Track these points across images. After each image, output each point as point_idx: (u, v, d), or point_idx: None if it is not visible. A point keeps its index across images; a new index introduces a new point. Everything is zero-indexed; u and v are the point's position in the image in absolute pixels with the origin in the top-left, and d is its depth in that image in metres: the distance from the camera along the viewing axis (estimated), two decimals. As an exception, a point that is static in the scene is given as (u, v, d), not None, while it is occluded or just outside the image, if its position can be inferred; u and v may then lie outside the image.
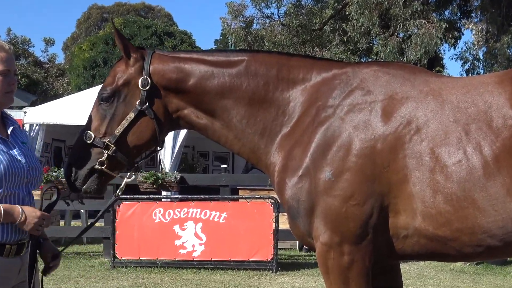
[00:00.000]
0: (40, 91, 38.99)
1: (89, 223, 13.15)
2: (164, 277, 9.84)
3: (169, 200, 11.52)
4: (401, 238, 3.41)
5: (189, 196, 11.37)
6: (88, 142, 3.72)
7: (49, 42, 48.15)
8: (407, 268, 10.49)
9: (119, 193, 3.93)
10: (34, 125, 15.22)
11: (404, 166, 3.31)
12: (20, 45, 43.73)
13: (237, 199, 11.27)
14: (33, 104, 21.18)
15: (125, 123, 3.71)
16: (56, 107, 15.91)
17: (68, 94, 33.16)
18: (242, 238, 10.33)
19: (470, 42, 27.31)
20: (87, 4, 57.04)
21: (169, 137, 13.68)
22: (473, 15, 26.22)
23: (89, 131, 3.73)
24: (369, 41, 26.75)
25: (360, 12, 23.11)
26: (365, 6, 22.87)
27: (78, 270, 10.40)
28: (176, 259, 10.47)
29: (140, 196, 11.08)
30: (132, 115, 3.71)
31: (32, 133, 15.10)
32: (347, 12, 24.57)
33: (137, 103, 3.71)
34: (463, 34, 27.74)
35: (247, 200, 10.85)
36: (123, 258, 10.57)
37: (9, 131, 3.58)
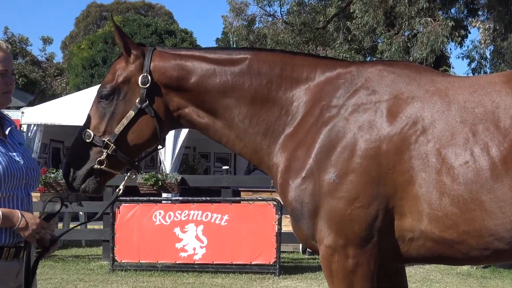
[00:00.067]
0: (38, 91, 38.99)
1: (87, 228, 12.97)
2: (164, 281, 9.84)
3: (169, 202, 11.52)
4: (406, 241, 3.41)
5: (190, 198, 11.38)
6: (87, 141, 3.71)
7: (47, 40, 48.16)
8: (412, 272, 10.49)
9: (121, 190, 3.91)
10: (32, 125, 15.21)
11: (410, 167, 3.31)
12: (18, 44, 43.76)
13: (239, 201, 11.27)
14: (31, 104, 21.19)
15: (125, 121, 3.70)
16: (54, 107, 15.91)
17: (66, 93, 33.21)
18: (244, 241, 10.34)
19: (477, 41, 27.38)
20: (86, 2, 57.04)
21: (169, 138, 13.69)
22: (480, 13, 26.23)
23: (88, 130, 3.73)
24: (374, 40, 26.73)
25: (364, 10, 23.12)
26: (369, 4, 22.89)
27: (77, 273, 10.41)
28: (177, 262, 10.48)
29: (140, 198, 11.09)
30: (132, 113, 3.70)
31: (29, 133, 15.09)
32: (351, 10, 24.60)
33: (137, 101, 3.71)
34: (469, 33, 27.77)
35: (249, 202, 10.85)
36: (122, 261, 10.58)
37: (6, 132, 3.59)
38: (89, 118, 3.79)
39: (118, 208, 10.60)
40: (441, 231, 3.29)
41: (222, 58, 3.82)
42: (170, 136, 13.73)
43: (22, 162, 3.51)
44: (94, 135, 3.71)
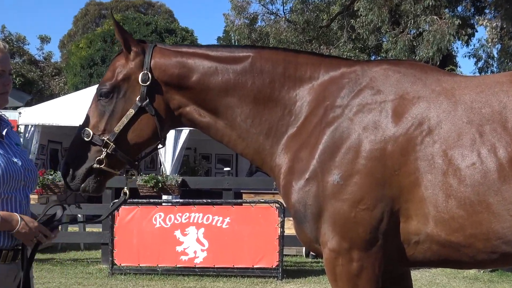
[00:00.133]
0: (35, 91, 39.01)
1: (86, 230, 12.98)
2: (164, 285, 9.84)
3: (170, 204, 11.52)
4: (412, 244, 3.40)
5: (191, 200, 11.37)
6: (86, 139, 3.71)
7: (44, 39, 48.20)
8: (418, 276, 10.48)
9: (127, 193, 3.91)
10: (29, 126, 15.23)
11: (416, 169, 3.30)
12: (15, 43, 43.77)
13: (241, 203, 11.27)
14: (28, 104, 21.23)
15: (124, 120, 3.70)
16: (52, 108, 15.94)
17: (64, 93, 33.28)
18: (246, 244, 10.33)
19: (484, 39, 27.31)
20: (84, 0, 57.04)
21: (169, 139, 13.70)
22: (487, 11, 26.21)
23: (87, 128, 3.73)
24: (379, 38, 26.72)
25: (369, 8, 23.13)
26: (374, 2, 22.90)
27: (75, 277, 10.41)
28: (177, 266, 10.47)
29: (140, 200, 11.09)
30: (132, 111, 3.70)
31: (27, 134, 15.10)
32: (355, 8, 24.60)
33: (137, 99, 3.71)
34: (476, 31, 27.79)
35: (251, 204, 10.84)
36: (122, 264, 10.57)
37: (3, 133, 3.59)
38: (88, 117, 3.79)
39: (117, 210, 10.59)
40: (447, 234, 3.28)
41: (224, 56, 3.82)
42: (170, 137, 13.75)
43: (20, 164, 3.52)
44: (94, 133, 3.71)
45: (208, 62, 3.80)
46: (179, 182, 11.95)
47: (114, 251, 10.54)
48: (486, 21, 25.18)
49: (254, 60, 3.78)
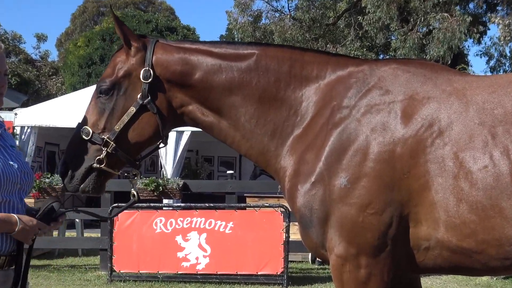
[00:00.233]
0: (32, 91, 39.11)
1: (84, 235, 13.00)
2: (165, 292, 9.85)
3: (171, 208, 11.51)
4: (422, 250, 3.40)
5: (193, 204, 11.37)
6: (86, 138, 3.70)
7: (41, 38, 48.31)
8: (429, 283, 10.46)
9: (135, 195, 3.92)
10: (26, 127, 15.25)
11: (426, 172, 3.30)
12: (11, 42, 43.87)
13: (244, 208, 11.26)
14: (25, 105, 21.24)
15: (125, 118, 3.70)
16: (49, 108, 15.95)
17: (62, 94, 33.31)
18: (249, 250, 10.32)
19: (496, 38, 27.28)
20: (82, -3, 57.15)
21: (171, 141, 13.69)
22: (499, 8, 26.17)
23: (86, 127, 3.72)
24: (387, 36, 26.73)
25: (377, 5, 23.11)
26: (382, -1, 22.88)
27: (73, 284, 10.41)
28: (179, 272, 10.47)
29: (140, 204, 11.06)
30: (133, 109, 3.70)
31: (23, 136, 15.12)
32: (363, 5, 24.58)
33: (138, 96, 3.71)
34: (488, 29, 27.72)
35: (255, 208, 10.82)
36: (121, 271, 10.57)
37: (-2, 135, 3.60)
38: (87, 114, 3.78)
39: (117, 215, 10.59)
40: (458, 239, 3.27)
41: (229, 53, 3.82)
42: (171, 139, 13.75)
43: (16, 166, 3.52)
44: (93, 132, 3.70)
45: (212, 59, 3.79)
46: (181, 185, 11.96)
47: (113, 257, 10.53)
48: (498, 18, 25.13)
49: (259, 57, 3.78)
